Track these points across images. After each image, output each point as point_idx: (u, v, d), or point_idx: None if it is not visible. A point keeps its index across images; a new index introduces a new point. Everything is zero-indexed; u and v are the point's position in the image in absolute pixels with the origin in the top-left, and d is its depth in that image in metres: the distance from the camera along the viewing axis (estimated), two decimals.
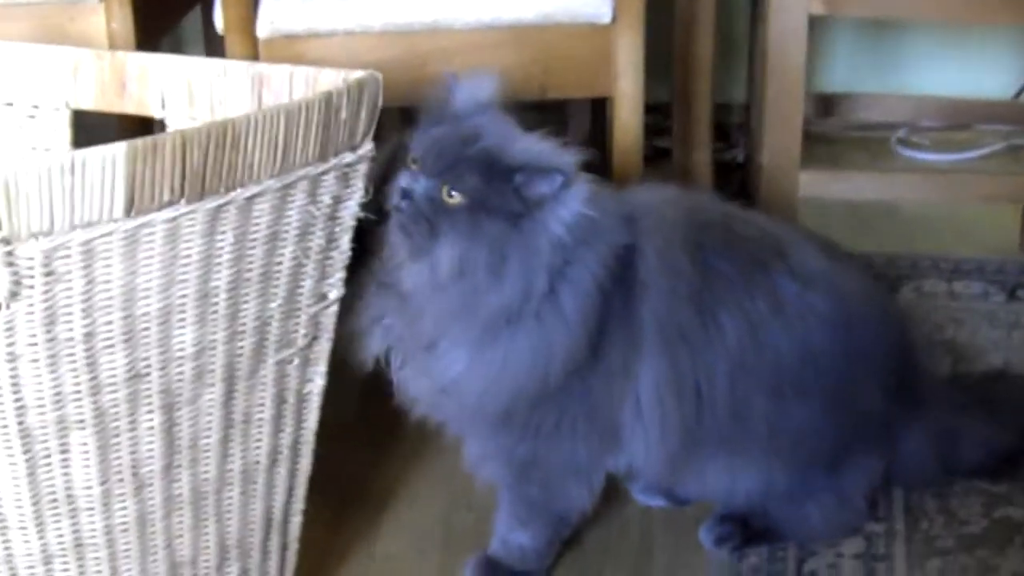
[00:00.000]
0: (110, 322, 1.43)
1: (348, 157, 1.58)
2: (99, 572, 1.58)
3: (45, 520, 1.51)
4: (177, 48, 3.11)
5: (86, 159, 1.32)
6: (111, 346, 1.45)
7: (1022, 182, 2.66)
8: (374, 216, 1.67)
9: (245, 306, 1.56)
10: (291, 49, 2.08)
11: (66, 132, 1.85)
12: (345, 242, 1.65)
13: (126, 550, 1.59)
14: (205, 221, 1.45)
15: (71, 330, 1.41)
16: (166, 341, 1.49)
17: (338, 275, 1.66)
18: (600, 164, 2.01)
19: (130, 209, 1.37)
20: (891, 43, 3.22)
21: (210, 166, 1.42)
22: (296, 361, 1.67)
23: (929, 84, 3.20)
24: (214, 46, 2.40)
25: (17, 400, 1.42)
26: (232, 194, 1.46)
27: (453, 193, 1.65)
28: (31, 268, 1.35)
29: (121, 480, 1.54)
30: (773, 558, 1.93)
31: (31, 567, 1.53)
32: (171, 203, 1.41)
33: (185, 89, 1.76)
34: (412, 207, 1.65)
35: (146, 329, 1.47)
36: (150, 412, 1.52)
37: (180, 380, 1.53)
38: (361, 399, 2.13)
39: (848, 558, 1.93)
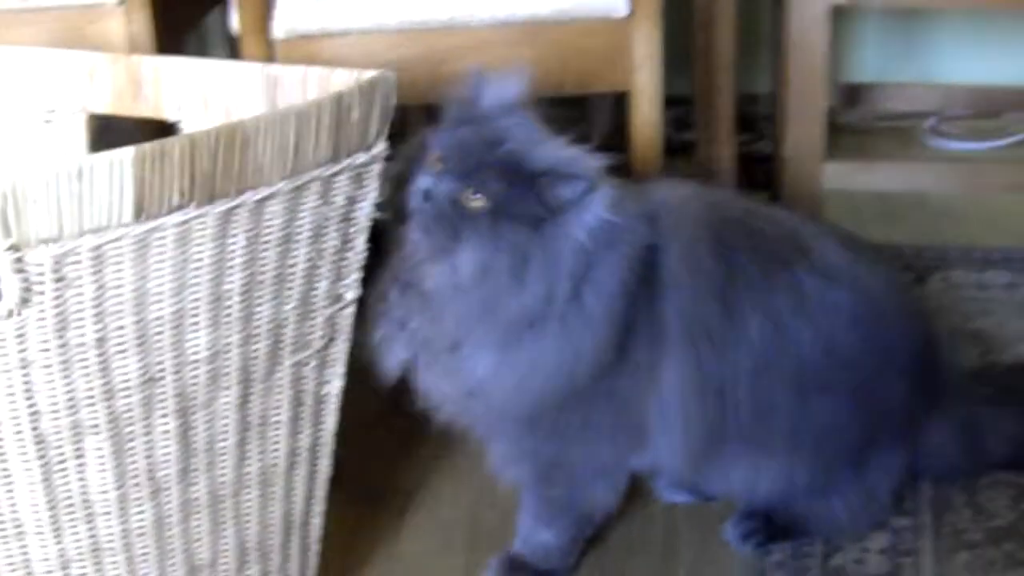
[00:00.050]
0: (122, 327, 1.43)
1: (361, 157, 1.57)
2: None
3: (62, 525, 1.51)
4: (201, 48, 3.11)
5: (94, 165, 1.32)
6: (124, 351, 1.44)
7: None
8: (391, 216, 1.67)
9: (259, 309, 1.55)
10: (307, 49, 2.07)
11: (83, 136, 1.85)
12: (360, 243, 1.64)
13: (144, 554, 1.59)
14: (216, 224, 1.44)
15: (83, 335, 1.41)
16: (179, 345, 1.49)
17: (354, 276, 1.66)
18: (621, 158, 2.00)
19: (139, 214, 1.37)
20: (919, 32, 3.20)
21: (219, 169, 1.41)
22: (313, 363, 1.66)
23: (958, 73, 3.18)
24: (237, 46, 2.40)
25: (31, 406, 1.42)
26: (243, 197, 1.45)
27: (476, 196, 1.64)
28: (41, 274, 1.34)
29: (137, 484, 1.54)
30: (798, 554, 1.92)
31: (49, 572, 1.53)
32: (181, 207, 1.40)
33: (199, 92, 1.76)
34: (434, 208, 1.65)
35: (159, 333, 1.46)
36: (165, 416, 1.52)
37: (195, 384, 1.53)
38: (385, 399, 2.12)
39: (874, 553, 1.91)
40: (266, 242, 1.51)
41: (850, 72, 3.21)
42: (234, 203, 1.45)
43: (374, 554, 1.97)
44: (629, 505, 1.97)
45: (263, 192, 1.47)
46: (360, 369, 1.76)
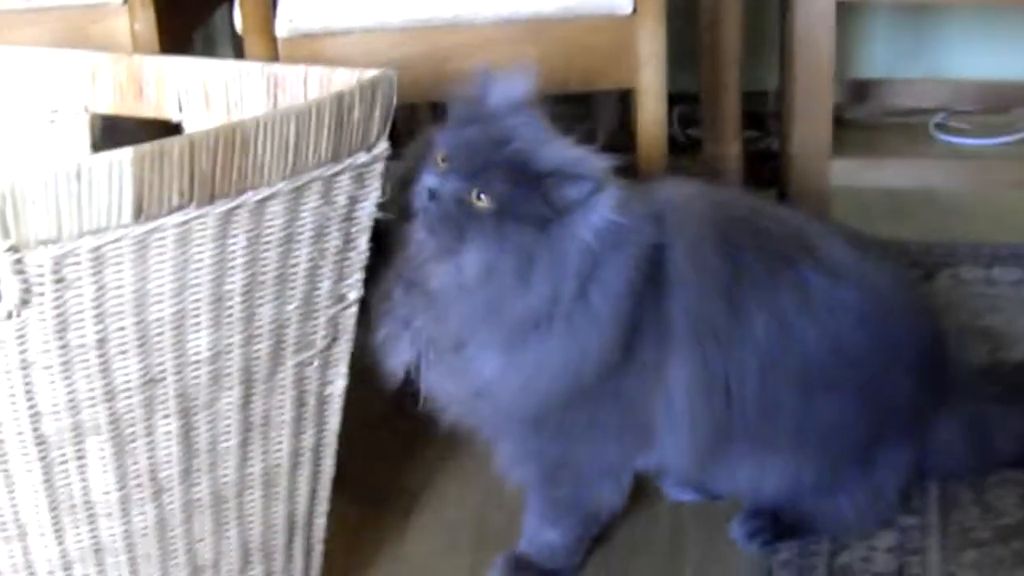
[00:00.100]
0: (123, 328, 1.43)
1: (362, 157, 1.57)
2: None
3: (64, 526, 1.51)
4: (209, 46, 3.11)
5: (93, 165, 1.32)
6: (124, 352, 1.44)
7: None
8: (395, 214, 1.66)
9: (261, 309, 1.55)
10: (310, 48, 2.07)
11: (86, 136, 1.84)
12: (363, 242, 1.63)
13: (146, 555, 1.58)
14: (216, 225, 1.44)
15: (83, 336, 1.40)
16: (181, 346, 1.49)
17: (356, 276, 1.65)
18: (627, 159, 1.99)
19: (139, 214, 1.37)
20: (928, 27, 3.19)
21: (219, 170, 1.41)
22: (316, 363, 1.66)
23: (966, 68, 3.17)
24: (243, 45, 2.40)
25: (31, 407, 1.42)
26: (243, 197, 1.45)
27: (482, 196, 1.63)
28: (41, 275, 1.34)
29: (139, 485, 1.54)
30: (805, 552, 1.91)
31: (51, 573, 1.53)
32: (181, 207, 1.40)
33: (201, 92, 1.76)
34: (439, 208, 1.64)
35: (160, 334, 1.46)
36: (167, 417, 1.52)
37: (196, 384, 1.53)
38: (389, 400, 2.12)
39: (881, 551, 1.90)
40: (267, 242, 1.51)
41: (858, 68, 3.20)
42: (234, 203, 1.44)
43: (379, 555, 1.96)
44: (635, 504, 1.96)
45: (263, 192, 1.47)
46: (364, 369, 1.75)
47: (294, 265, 1.56)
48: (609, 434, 1.80)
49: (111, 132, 1.87)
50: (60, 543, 1.52)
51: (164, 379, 1.49)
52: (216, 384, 1.55)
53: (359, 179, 1.58)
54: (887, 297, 1.85)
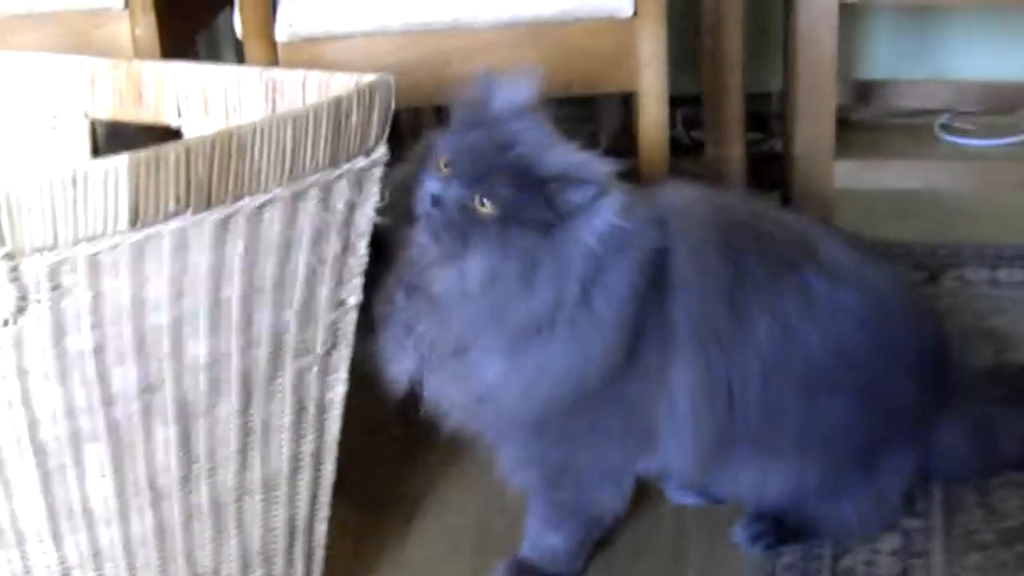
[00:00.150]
0: (120, 335, 1.42)
1: (361, 162, 1.56)
2: None
3: (62, 533, 1.51)
4: (213, 50, 3.11)
5: (88, 172, 1.31)
6: (122, 359, 1.44)
7: None
8: (395, 219, 1.66)
9: (259, 315, 1.54)
10: (310, 52, 2.07)
11: (86, 142, 1.84)
12: (362, 247, 1.63)
13: (145, 562, 1.58)
14: (213, 231, 1.44)
15: (80, 344, 1.40)
16: (178, 352, 1.48)
17: (356, 281, 1.65)
18: (631, 163, 1.99)
19: (135, 221, 1.36)
20: (932, 28, 3.18)
21: (216, 176, 1.40)
22: (315, 369, 1.65)
23: (971, 69, 3.16)
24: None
25: (29, 415, 1.41)
26: (240, 203, 1.44)
27: (485, 202, 1.63)
28: (37, 283, 1.34)
29: (138, 492, 1.53)
30: (808, 556, 1.91)
31: None
32: (177, 214, 1.39)
33: (200, 97, 1.76)
34: (443, 214, 1.64)
35: (157, 341, 1.46)
36: (165, 424, 1.52)
37: (195, 391, 1.52)
38: (391, 406, 2.11)
39: (885, 554, 1.90)
40: (265, 248, 1.50)
41: (863, 69, 3.19)
42: (231, 210, 1.44)
43: (381, 560, 1.96)
44: (637, 508, 1.96)
45: (261, 198, 1.46)
46: (366, 374, 1.75)
47: (292, 271, 1.55)
48: (611, 438, 1.80)
49: (115, 138, 1.87)
50: (59, 550, 1.51)
51: (162, 386, 1.49)
52: (215, 391, 1.54)
53: (358, 184, 1.57)
54: (889, 300, 1.85)
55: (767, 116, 3.07)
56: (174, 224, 1.40)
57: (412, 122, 2.72)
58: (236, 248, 1.47)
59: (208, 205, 1.41)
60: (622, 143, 2.34)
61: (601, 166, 1.67)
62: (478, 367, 1.72)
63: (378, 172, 1.59)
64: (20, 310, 1.34)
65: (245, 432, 1.60)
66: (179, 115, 1.77)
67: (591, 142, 1.71)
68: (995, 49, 3.15)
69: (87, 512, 1.51)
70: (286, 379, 1.62)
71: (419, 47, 2.08)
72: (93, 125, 1.85)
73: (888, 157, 2.91)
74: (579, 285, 1.65)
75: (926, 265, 2.58)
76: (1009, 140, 3.05)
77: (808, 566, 1.89)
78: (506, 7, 2.06)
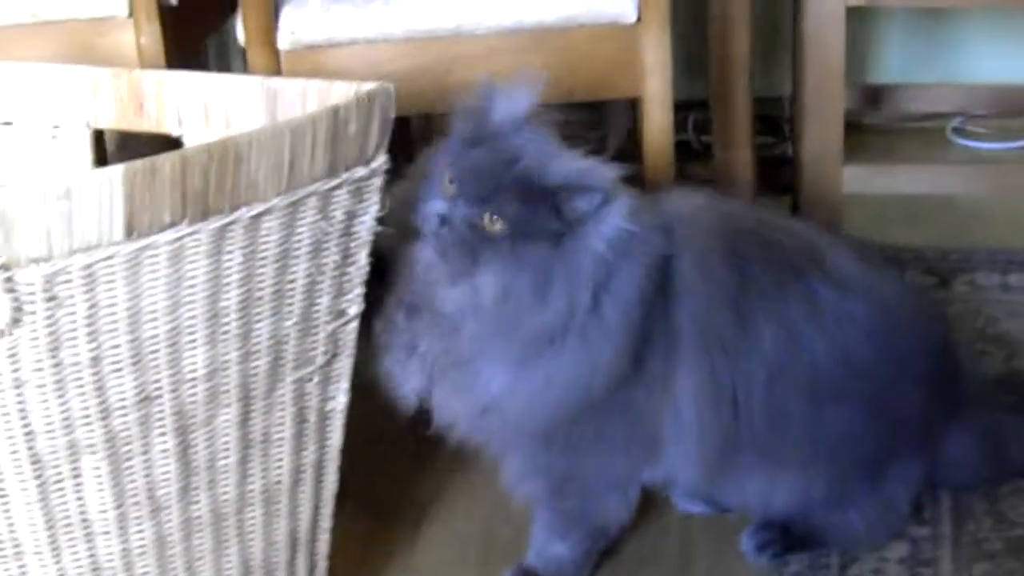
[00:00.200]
0: (117, 345, 1.42)
1: (360, 171, 1.55)
2: None
3: (60, 544, 1.50)
4: (222, 57, 3.11)
5: (83, 183, 1.31)
6: (119, 370, 1.43)
7: None
8: (393, 231, 1.65)
9: (258, 325, 1.54)
10: (313, 60, 2.06)
11: (87, 152, 1.84)
12: (362, 257, 1.62)
13: (144, 573, 1.57)
14: (210, 241, 1.43)
15: (77, 355, 1.39)
16: (176, 363, 1.48)
17: (356, 291, 1.64)
18: (637, 168, 1.98)
19: (130, 232, 1.36)
20: (942, 32, 3.17)
21: (212, 186, 1.40)
22: (316, 379, 1.65)
23: (982, 72, 3.14)
24: None
25: (25, 426, 1.41)
26: (237, 213, 1.44)
27: (494, 219, 1.62)
28: (32, 294, 1.33)
29: (137, 503, 1.53)
30: (815, 564, 1.89)
31: None
32: (173, 224, 1.39)
33: (200, 106, 1.75)
34: (452, 234, 1.63)
35: (155, 352, 1.45)
36: (164, 435, 1.51)
37: (193, 402, 1.52)
38: (398, 417, 2.11)
39: (893, 563, 1.88)
40: (263, 258, 1.50)
41: (874, 73, 3.18)
42: (228, 220, 1.43)
43: (389, 566, 1.95)
44: (644, 516, 1.95)
45: (258, 208, 1.45)
46: (371, 384, 1.74)
47: (291, 281, 1.55)
48: (616, 446, 1.79)
49: (124, 147, 1.87)
50: (57, 562, 1.51)
51: (160, 397, 1.48)
52: (214, 401, 1.54)
53: (357, 193, 1.57)
54: (896, 308, 1.84)
55: (778, 120, 3.06)
56: (170, 234, 1.39)
57: (423, 128, 2.71)
58: (234, 258, 1.47)
59: (205, 215, 1.41)
60: (631, 148, 2.32)
61: (607, 172, 1.66)
62: (482, 378, 1.71)
63: (378, 181, 1.58)
64: (15, 321, 1.34)
65: (245, 443, 1.60)
66: (180, 124, 1.77)
67: (599, 147, 1.70)
68: (1007, 52, 3.13)
69: (85, 524, 1.51)
70: (286, 389, 1.61)
71: (422, 54, 2.07)
72: (96, 135, 1.85)
73: (898, 162, 2.89)
74: (590, 292, 1.65)
75: (937, 270, 2.57)
76: (1022, 143, 3.03)
77: (815, 575, 1.88)
78: (509, 13, 2.05)
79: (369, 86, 1.57)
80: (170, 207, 1.37)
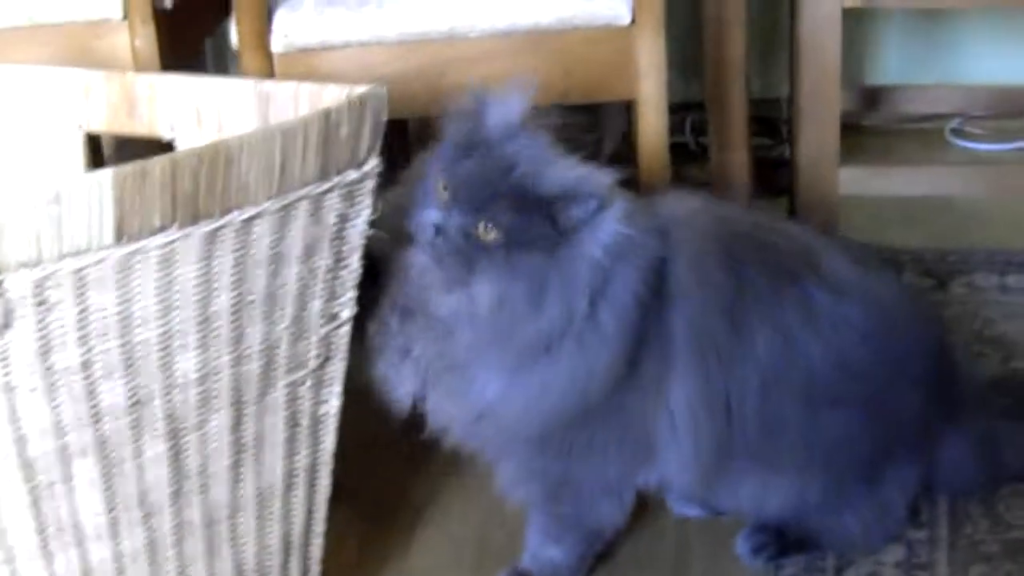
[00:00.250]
0: (108, 350, 1.41)
1: (352, 175, 1.55)
2: None
3: (52, 550, 1.50)
4: (221, 57, 3.10)
5: (72, 187, 1.31)
6: (110, 374, 1.43)
7: None
8: (386, 235, 1.65)
9: (250, 330, 1.53)
10: (306, 63, 2.06)
11: (80, 155, 1.84)
12: (354, 261, 1.62)
13: None
14: (201, 245, 1.43)
15: (67, 359, 1.39)
16: (168, 368, 1.47)
17: (349, 294, 1.63)
18: (632, 172, 1.97)
19: (120, 236, 1.35)
20: (941, 33, 3.16)
21: (202, 190, 1.39)
22: (309, 383, 1.64)
23: (980, 73, 3.14)
24: None
25: (16, 431, 1.40)
26: (228, 217, 1.43)
27: (489, 228, 1.61)
28: (22, 298, 1.33)
29: (128, 508, 1.53)
30: (811, 568, 1.89)
31: None
32: (163, 228, 1.38)
33: (193, 109, 1.75)
34: (447, 243, 1.62)
35: (146, 356, 1.45)
36: (155, 439, 1.51)
37: (185, 406, 1.51)
38: (392, 420, 2.11)
39: (889, 566, 1.88)
40: (254, 262, 1.49)
41: (872, 74, 3.17)
42: (219, 223, 1.43)
43: (384, 570, 1.95)
44: (640, 520, 1.95)
45: (249, 212, 1.45)
46: (365, 388, 1.74)
47: (283, 285, 1.54)
48: (610, 451, 1.78)
49: (122, 149, 1.86)
50: (49, 567, 1.51)
51: (152, 401, 1.48)
52: (205, 406, 1.53)
53: (349, 197, 1.56)
54: (892, 312, 1.83)
55: (776, 122, 3.06)
56: (160, 239, 1.39)
57: (420, 131, 2.70)
58: (225, 262, 1.46)
59: (195, 219, 1.41)
60: (626, 150, 2.32)
61: (602, 178, 1.65)
62: (477, 383, 1.71)
63: (370, 184, 1.58)
64: (5, 326, 1.34)
65: (237, 447, 1.59)
66: (172, 128, 1.77)
67: (595, 149, 1.69)
68: (1005, 53, 3.13)
69: (77, 528, 1.50)
70: (279, 393, 1.61)
71: (415, 57, 2.07)
72: (93, 138, 1.85)
73: (896, 163, 2.88)
74: (587, 299, 1.64)
75: (935, 271, 2.56)
76: (1020, 144, 3.03)
77: None
78: (503, 16, 2.05)
79: (361, 89, 1.56)
80: (160, 211, 1.37)
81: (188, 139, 1.74)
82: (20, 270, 1.31)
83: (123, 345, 1.42)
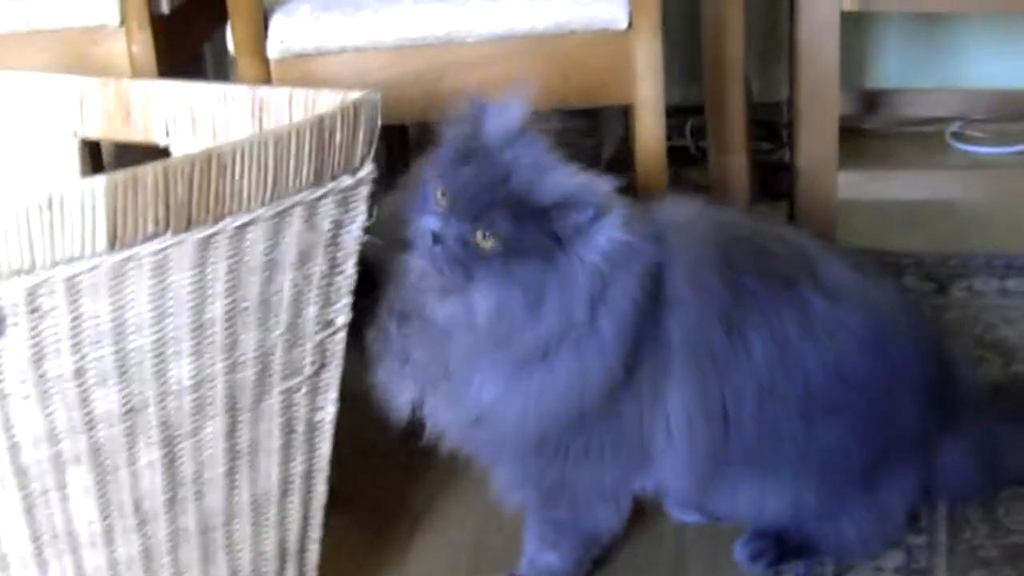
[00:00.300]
0: (101, 357, 1.41)
1: (346, 181, 1.55)
2: None
3: (46, 557, 1.50)
4: (220, 62, 3.10)
5: (64, 194, 1.30)
6: (104, 381, 1.42)
7: None
8: (381, 242, 1.64)
9: (244, 336, 1.53)
10: (302, 69, 2.05)
11: (75, 161, 1.84)
12: (350, 267, 1.61)
13: None
14: (194, 252, 1.42)
15: (61, 367, 1.39)
16: (162, 375, 1.47)
17: (344, 301, 1.63)
18: (631, 177, 1.97)
19: (113, 243, 1.35)
20: (941, 36, 3.16)
21: (196, 196, 1.39)
22: (304, 389, 1.64)
23: (981, 77, 3.14)
24: None
25: (10, 438, 1.40)
26: (221, 224, 1.43)
27: (487, 236, 1.61)
28: (15, 306, 1.33)
29: (123, 515, 1.52)
30: (810, 573, 1.89)
31: None
32: (156, 235, 1.38)
33: (188, 115, 1.74)
34: (445, 252, 1.61)
35: (139, 363, 1.44)
36: (150, 446, 1.50)
37: (179, 413, 1.51)
38: (390, 426, 2.10)
39: (888, 572, 1.88)
40: (249, 269, 1.49)
41: (872, 78, 3.17)
42: (212, 230, 1.43)
43: (381, 575, 1.94)
44: (638, 525, 1.94)
45: (243, 218, 1.45)
46: (362, 394, 1.73)
47: (278, 291, 1.54)
48: (606, 456, 1.77)
49: (121, 156, 1.86)
50: (43, 574, 1.50)
51: (146, 408, 1.48)
52: (200, 413, 1.53)
53: (344, 203, 1.56)
54: (890, 318, 1.83)
55: (776, 125, 3.05)
56: (154, 245, 1.39)
57: (419, 136, 2.70)
58: (219, 269, 1.46)
59: (188, 226, 1.40)
60: (625, 155, 2.31)
61: (600, 185, 1.65)
62: (474, 388, 1.70)
63: (365, 190, 1.58)
64: None
65: (232, 454, 1.59)
66: (167, 134, 1.76)
67: (594, 153, 1.68)
68: (1006, 56, 3.13)
69: (71, 536, 1.50)
70: (274, 400, 1.61)
71: (412, 62, 2.06)
72: (92, 145, 1.85)
73: (895, 167, 2.88)
74: (587, 306, 1.64)
75: (935, 275, 2.56)
76: (1021, 148, 3.02)
77: None
78: (500, 21, 2.04)
79: (355, 95, 1.56)
80: (153, 217, 1.37)
81: (183, 145, 1.74)
82: (12, 277, 1.31)
83: (117, 352, 1.42)
